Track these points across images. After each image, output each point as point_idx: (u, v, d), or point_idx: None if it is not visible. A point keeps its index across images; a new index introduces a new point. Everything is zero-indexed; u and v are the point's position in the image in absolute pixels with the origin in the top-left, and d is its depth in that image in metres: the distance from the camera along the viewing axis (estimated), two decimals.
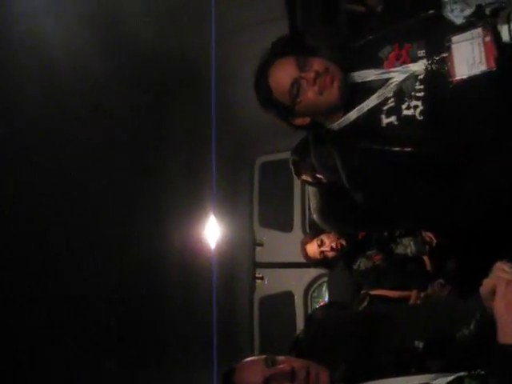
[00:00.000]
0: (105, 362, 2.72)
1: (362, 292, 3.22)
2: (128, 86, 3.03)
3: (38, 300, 2.42)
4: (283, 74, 1.77)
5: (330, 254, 3.44)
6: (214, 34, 3.25)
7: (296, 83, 1.74)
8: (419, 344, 1.66)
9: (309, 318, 3.30)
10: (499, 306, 1.36)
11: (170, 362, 3.26)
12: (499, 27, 1.58)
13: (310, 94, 1.75)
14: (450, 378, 1.54)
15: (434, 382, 1.56)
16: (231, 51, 3.51)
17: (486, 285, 1.40)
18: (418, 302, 2.94)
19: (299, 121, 1.86)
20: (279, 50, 1.86)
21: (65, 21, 2.57)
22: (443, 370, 1.56)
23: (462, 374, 1.53)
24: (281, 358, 1.64)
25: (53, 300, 2.47)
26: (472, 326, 1.56)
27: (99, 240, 2.83)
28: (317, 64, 1.74)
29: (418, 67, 1.68)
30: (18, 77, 2.34)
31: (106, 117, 2.85)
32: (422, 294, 2.93)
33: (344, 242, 3.38)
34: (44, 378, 2.42)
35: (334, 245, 3.36)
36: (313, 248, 3.42)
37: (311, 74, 1.72)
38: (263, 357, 1.64)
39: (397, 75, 1.71)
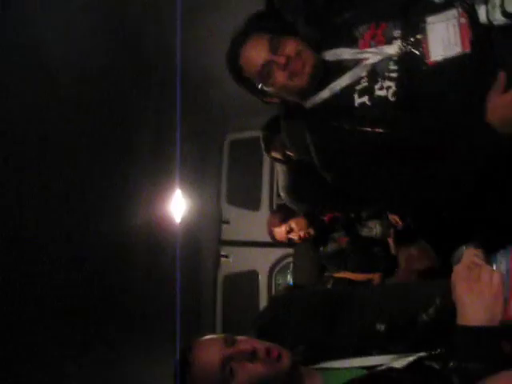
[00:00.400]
0: (67, 338, 2.70)
1: (326, 274, 3.23)
2: (94, 59, 2.97)
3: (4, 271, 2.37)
4: (254, 55, 1.75)
5: (297, 241, 3.44)
6: (181, 5, 3.19)
7: (266, 66, 1.73)
8: (381, 327, 1.67)
9: (271, 300, 3.31)
10: (461, 288, 1.38)
11: (132, 338, 3.24)
12: (477, 7, 1.57)
13: (279, 78, 1.74)
14: (411, 359, 1.56)
15: (394, 362, 1.57)
16: (200, 24, 3.45)
17: (457, 271, 1.42)
18: None
19: (269, 100, 1.84)
20: (253, 26, 1.83)
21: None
22: (404, 352, 1.58)
23: (422, 354, 1.55)
24: (240, 337, 1.58)
25: (15, 276, 2.42)
26: (431, 310, 1.58)
27: (63, 213, 2.77)
28: (289, 47, 1.72)
29: (393, 50, 1.67)
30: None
31: (72, 92, 2.78)
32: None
33: (312, 232, 3.38)
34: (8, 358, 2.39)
35: (302, 234, 3.37)
36: (280, 232, 3.42)
37: (282, 59, 1.70)
38: (222, 335, 1.58)
39: (371, 56, 1.69)
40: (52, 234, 2.67)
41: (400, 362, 1.55)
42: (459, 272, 1.42)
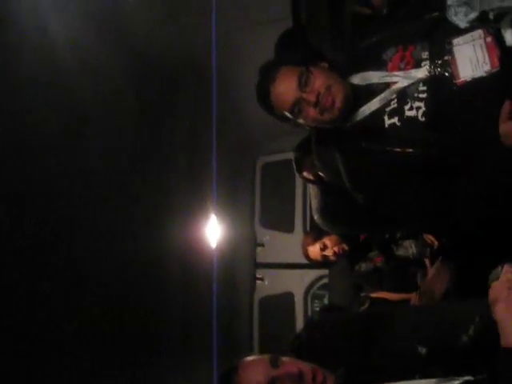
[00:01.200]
0: (106, 361, 2.73)
1: (362, 295, 3.20)
2: (129, 87, 3.03)
3: (38, 294, 2.42)
4: (284, 93, 1.77)
5: (332, 258, 3.44)
6: (214, 34, 3.25)
7: (297, 104, 1.75)
8: (422, 350, 1.65)
9: (308, 321, 3.30)
10: (500, 309, 1.35)
11: (171, 361, 3.26)
12: (503, 31, 1.58)
13: (311, 114, 1.75)
14: (456, 383, 1.54)
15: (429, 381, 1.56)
16: (233, 51, 3.51)
17: (495, 289, 1.41)
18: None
19: (300, 127, 1.87)
20: (281, 59, 1.86)
21: (70, 19, 2.57)
22: (446, 375, 1.57)
23: (467, 378, 1.53)
24: (285, 358, 1.59)
25: (55, 297, 2.47)
26: (471, 331, 1.56)
27: (101, 240, 2.82)
28: (319, 81, 1.73)
29: (422, 73, 1.68)
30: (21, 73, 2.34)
31: (107, 118, 2.84)
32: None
33: (346, 247, 3.37)
34: (43, 370, 2.42)
35: (336, 249, 3.36)
36: (315, 250, 3.41)
37: (312, 97, 1.72)
38: (267, 356, 1.58)
39: (400, 80, 1.71)
40: (89, 257, 2.71)
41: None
42: (498, 292, 1.39)
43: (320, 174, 2.88)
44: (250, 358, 1.63)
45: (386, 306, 2.97)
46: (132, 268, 2.98)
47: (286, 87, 1.77)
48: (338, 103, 1.71)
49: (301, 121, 1.79)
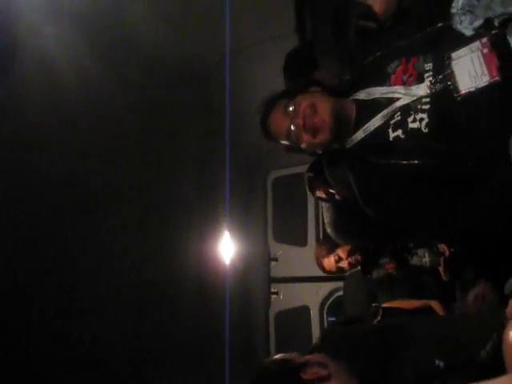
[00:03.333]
0: (120, 379, 2.73)
1: (374, 305, 3.19)
2: (140, 102, 3.05)
3: (54, 316, 2.43)
4: (278, 126, 1.89)
5: (347, 268, 3.44)
6: (228, 47, 3.27)
7: (291, 132, 1.84)
8: (439, 363, 1.63)
9: (323, 333, 3.28)
10: (508, 338, 1.29)
11: (185, 378, 3.25)
12: (509, 38, 1.58)
13: (305, 139, 1.84)
14: None
15: None
16: (244, 66, 3.54)
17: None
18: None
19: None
20: (274, 97, 1.96)
21: (81, 26, 2.60)
22: None
23: None
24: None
25: (72, 320, 2.48)
26: (489, 348, 1.54)
27: (115, 259, 2.84)
28: (303, 103, 1.82)
29: (423, 90, 1.69)
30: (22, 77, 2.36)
31: (118, 136, 2.86)
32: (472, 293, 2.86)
33: (359, 257, 3.38)
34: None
35: (351, 260, 3.37)
36: (329, 263, 3.43)
37: (300, 120, 1.81)
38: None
39: (402, 97, 1.72)
40: (103, 275, 2.72)
41: None
42: None
43: (332, 191, 2.90)
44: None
45: (402, 317, 2.94)
46: (146, 286, 2.99)
47: (277, 121, 1.89)
48: (328, 120, 1.77)
49: (303, 147, 1.85)
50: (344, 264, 3.39)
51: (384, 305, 3.16)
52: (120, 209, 2.92)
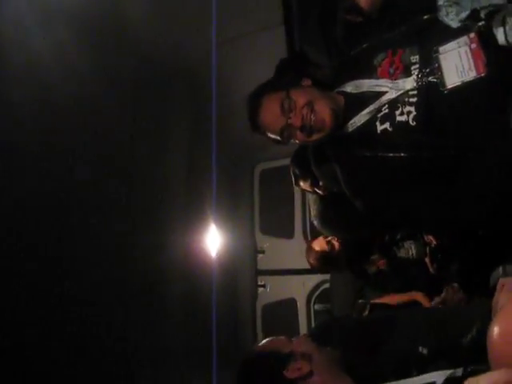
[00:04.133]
0: (106, 373, 2.72)
1: (361, 301, 3.19)
2: (126, 94, 3.02)
3: (37, 307, 2.41)
4: (271, 123, 1.84)
5: (337, 245, 3.43)
6: (215, 40, 3.26)
7: (285, 130, 1.81)
8: (423, 350, 1.66)
9: (317, 325, 3.29)
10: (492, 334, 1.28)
11: (171, 371, 3.24)
12: (494, 30, 1.58)
13: (299, 138, 1.82)
14: (448, 372, 1.55)
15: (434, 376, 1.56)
16: (231, 58, 3.51)
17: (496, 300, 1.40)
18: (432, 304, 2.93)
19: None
20: (263, 88, 1.91)
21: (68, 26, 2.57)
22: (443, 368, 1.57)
23: (459, 370, 1.54)
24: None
25: (51, 308, 2.46)
26: (471, 335, 1.55)
27: (99, 250, 2.81)
28: (301, 102, 1.78)
29: (410, 84, 1.69)
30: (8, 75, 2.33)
31: (103, 125, 2.84)
32: (437, 299, 2.90)
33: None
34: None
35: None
36: (320, 242, 3.44)
37: (298, 122, 1.77)
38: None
39: (389, 91, 1.72)
40: (86, 267, 2.70)
41: (435, 378, 1.55)
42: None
43: (317, 188, 2.91)
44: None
45: (388, 310, 2.96)
46: (132, 279, 2.97)
47: (271, 117, 1.84)
48: (328, 121, 1.75)
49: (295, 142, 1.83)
50: (334, 239, 3.40)
51: (371, 301, 3.17)
52: (106, 202, 2.89)
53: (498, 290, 1.42)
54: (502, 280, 1.41)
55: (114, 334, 2.81)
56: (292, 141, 1.85)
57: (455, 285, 2.80)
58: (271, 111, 1.82)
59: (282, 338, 1.73)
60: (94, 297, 2.70)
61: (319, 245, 3.45)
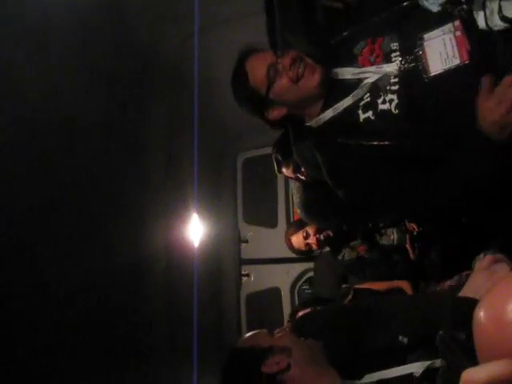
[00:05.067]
0: (85, 362, 2.69)
1: (344, 286, 3.21)
2: (105, 82, 2.98)
3: (17, 301, 2.38)
4: (261, 61, 1.80)
5: (315, 247, 3.45)
6: (197, 27, 3.23)
7: (272, 67, 1.76)
8: (403, 339, 1.67)
9: (292, 315, 3.29)
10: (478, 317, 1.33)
11: (152, 361, 3.23)
12: (475, 14, 1.57)
13: (284, 80, 1.75)
14: (427, 363, 1.56)
15: (413, 367, 1.58)
16: (213, 46, 3.48)
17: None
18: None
19: (275, 113, 1.84)
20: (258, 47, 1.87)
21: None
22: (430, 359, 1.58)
23: (438, 360, 1.55)
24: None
25: (30, 301, 2.43)
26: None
27: (81, 242, 2.79)
28: (293, 53, 1.76)
29: (392, 68, 1.68)
30: None
31: (81, 116, 2.80)
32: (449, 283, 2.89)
33: (330, 232, 3.40)
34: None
35: (319, 237, 3.38)
36: (298, 240, 3.45)
37: (287, 60, 1.74)
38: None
39: (371, 75, 1.70)
40: (69, 262, 2.67)
41: (414, 369, 1.57)
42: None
43: (299, 175, 2.90)
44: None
45: (371, 297, 2.96)
46: (113, 271, 2.95)
47: (262, 57, 1.81)
48: (317, 75, 1.73)
49: (274, 96, 1.77)
50: (312, 240, 3.40)
51: (355, 286, 3.18)
52: (86, 192, 2.86)
53: (476, 270, 1.44)
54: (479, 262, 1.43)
55: (95, 324, 2.79)
56: (273, 91, 1.80)
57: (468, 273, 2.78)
58: (262, 55, 1.83)
59: (263, 332, 1.74)
60: (72, 286, 2.67)
61: (297, 243, 3.46)
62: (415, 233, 2.97)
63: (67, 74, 2.62)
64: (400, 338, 1.66)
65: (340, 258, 3.43)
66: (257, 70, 1.80)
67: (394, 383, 1.58)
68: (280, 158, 2.97)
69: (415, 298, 2.49)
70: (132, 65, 3.23)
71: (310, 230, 3.44)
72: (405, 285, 3.04)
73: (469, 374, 0.59)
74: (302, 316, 2.76)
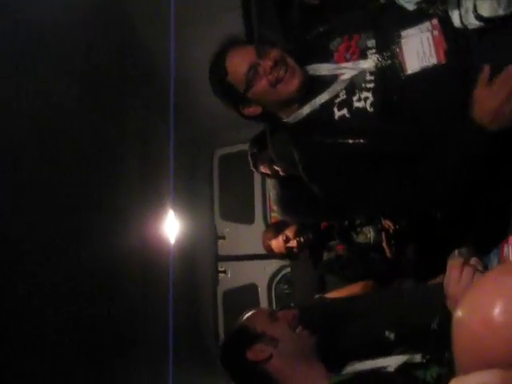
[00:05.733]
0: (60, 358, 2.67)
1: (317, 297, 3.18)
2: (80, 77, 2.95)
3: None
4: (242, 58, 1.75)
5: (296, 250, 3.43)
6: (173, 22, 3.20)
7: (253, 68, 1.72)
8: (390, 334, 1.68)
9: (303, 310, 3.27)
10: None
11: (128, 358, 3.21)
12: (450, 13, 1.57)
13: (263, 83, 1.72)
14: (404, 358, 1.60)
15: (388, 362, 1.61)
16: (190, 42, 3.46)
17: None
18: None
19: (250, 110, 1.83)
20: (239, 40, 1.84)
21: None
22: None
23: (416, 356, 1.58)
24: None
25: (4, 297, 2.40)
26: (438, 320, 1.57)
27: (56, 237, 2.75)
28: (275, 52, 1.72)
29: (369, 64, 1.67)
30: None
31: (55, 110, 2.76)
32: None
33: (310, 235, 3.38)
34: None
35: (300, 239, 3.36)
36: (278, 244, 3.41)
37: (269, 63, 1.69)
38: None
39: (347, 72, 1.70)
40: (43, 258, 2.64)
41: (392, 362, 1.60)
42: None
43: (276, 168, 2.89)
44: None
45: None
46: (88, 268, 2.92)
47: (244, 53, 1.76)
48: (297, 79, 1.70)
49: (252, 93, 1.75)
50: (293, 243, 3.38)
51: (327, 295, 3.17)
52: (61, 189, 2.82)
53: (449, 268, 1.44)
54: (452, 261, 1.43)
55: (70, 321, 2.77)
56: (251, 92, 1.77)
57: None
58: (244, 51, 1.77)
59: (264, 312, 1.81)
60: (47, 285, 2.64)
61: (278, 247, 3.42)
62: (391, 231, 2.98)
63: (41, 67, 2.59)
64: (387, 333, 1.68)
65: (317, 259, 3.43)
66: (237, 67, 1.75)
67: (368, 375, 1.61)
68: (256, 153, 2.95)
69: (401, 292, 2.51)
70: (108, 59, 3.19)
71: (290, 233, 3.38)
72: (369, 285, 3.04)
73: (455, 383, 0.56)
74: (308, 307, 2.73)
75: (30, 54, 2.54)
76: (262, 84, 1.72)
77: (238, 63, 1.75)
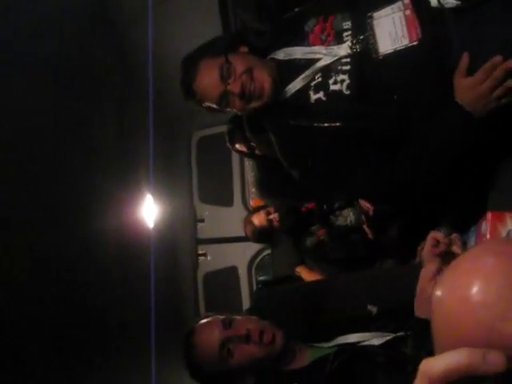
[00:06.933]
0: (39, 347, 2.65)
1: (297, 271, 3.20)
2: (57, 55, 2.90)
3: None
4: (208, 88, 1.74)
5: (276, 223, 3.43)
6: (151, 5, 3.16)
7: (224, 97, 1.72)
8: (372, 308, 1.70)
9: (255, 299, 3.30)
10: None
11: (108, 344, 3.20)
12: None
13: (237, 105, 1.73)
14: (388, 338, 1.63)
15: (374, 340, 1.65)
16: (167, 24, 3.42)
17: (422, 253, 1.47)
18: None
19: None
20: (200, 53, 1.81)
21: None
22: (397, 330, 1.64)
23: (399, 334, 1.61)
24: (238, 318, 1.71)
25: None
26: None
27: (33, 221, 2.72)
28: (239, 68, 1.70)
29: (344, 51, 1.65)
30: None
31: (30, 90, 2.71)
32: None
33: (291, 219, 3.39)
34: None
35: (281, 214, 3.37)
36: (260, 217, 3.41)
37: (237, 88, 1.69)
38: (221, 318, 1.70)
39: (323, 58, 1.68)
40: (20, 243, 2.61)
41: (378, 340, 1.64)
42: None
43: (252, 145, 2.88)
44: (205, 321, 1.74)
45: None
46: (67, 253, 2.90)
47: (208, 82, 1.74)
48: (267, 89, 1.69)
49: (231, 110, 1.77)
50: (274, 216, 3.39)
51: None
52: (38, 171, 2.79)
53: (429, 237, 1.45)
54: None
55: (49, 307, 2.75)
56: (229, 109, 1.78)
57: None
58: (209, 77, 1.73)
59: (217, 322, 1.70)
60: (25, 270, 2.62)
61: (259, 220, 3.42)
62: (371, 212, 2.98)
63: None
64: (368, 307, 1.69)
65: (302, 244, 3.43)
66: (207, 97, 1.76)
67: (352, 348, 1.63)
68: (233, 127, 2.94)
69: (383, 270, 2.53)
70: (84, 41, 3.15)
71: (271, 209, 3.42)
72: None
73: (427, 364, 0.56)
74: (258, 298, 2.76)
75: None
76: (235, 106, 1.74)
77: (207, 93, 1.74)
